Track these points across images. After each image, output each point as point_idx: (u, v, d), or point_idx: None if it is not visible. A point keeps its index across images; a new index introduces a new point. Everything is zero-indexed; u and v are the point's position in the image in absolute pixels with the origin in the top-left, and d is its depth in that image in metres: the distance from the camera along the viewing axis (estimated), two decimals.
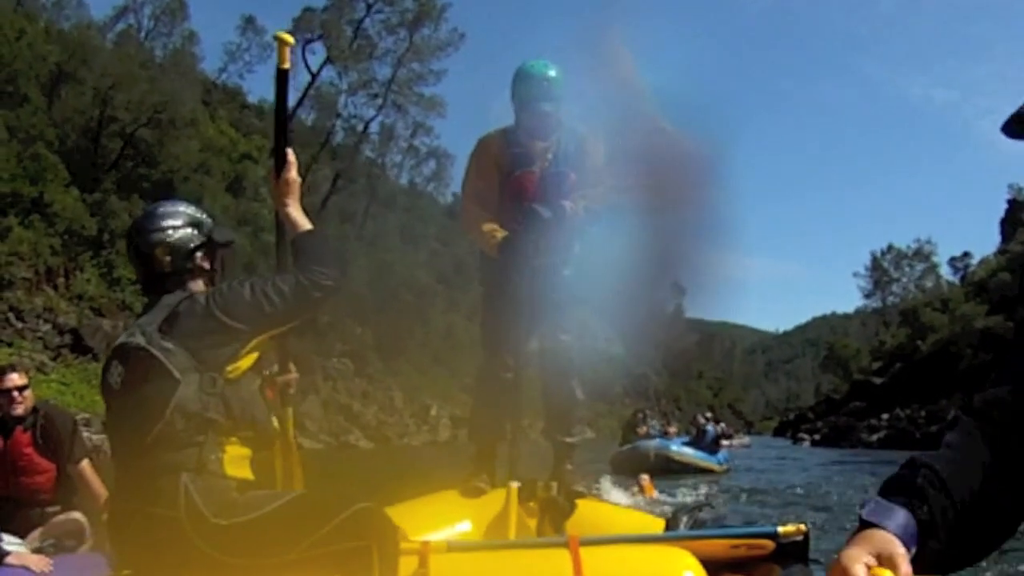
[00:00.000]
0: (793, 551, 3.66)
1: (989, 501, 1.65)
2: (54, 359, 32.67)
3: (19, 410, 5.53)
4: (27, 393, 5.59)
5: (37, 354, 32.13)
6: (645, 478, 16.14)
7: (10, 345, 31.93)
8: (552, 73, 4.87)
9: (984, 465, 1.68)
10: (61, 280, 37.51)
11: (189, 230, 3.20)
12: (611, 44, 4.66)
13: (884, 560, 1.51)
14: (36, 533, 5.29)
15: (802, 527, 3.74)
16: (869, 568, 1.49)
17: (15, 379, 5.56)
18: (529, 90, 4.87)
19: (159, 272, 3.16)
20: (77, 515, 5.48)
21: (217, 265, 3.29)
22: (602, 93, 5.12)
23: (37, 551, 5.02)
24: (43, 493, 5.56)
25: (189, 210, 3.28)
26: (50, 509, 5.51)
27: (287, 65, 3.68)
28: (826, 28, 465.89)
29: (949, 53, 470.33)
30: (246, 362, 3.02)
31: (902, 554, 1.51)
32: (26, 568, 4.54)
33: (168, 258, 3.15)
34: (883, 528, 1.55)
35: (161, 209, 3.26)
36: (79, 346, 33.88)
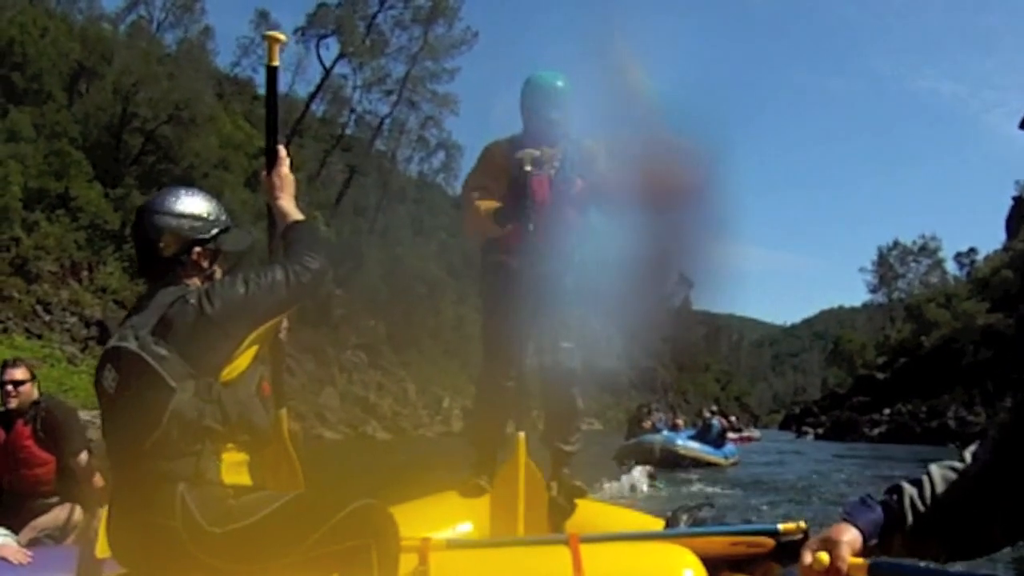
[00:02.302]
0: (793, 549, 3.63)
1: (965, 506, 1.87)
2: (82, 351, 32.94)
3: (12, 404, 5.64)
4: (23, 388, 5.66)
5: (67, 346, 32.61)
6: (649, 470, 16.49)
7: (40, 337, 32.40)
8: (560, 83, 4.97)
9: (976, 474, 1.91)
10: (85, 274, 37.89)
11: (196, 222, 3.12)
12: (616, 45, 4.66)
13: (831, 546, 1.83)
14: (32, 524, 5.37)
15: (802, 525, 3.73)
16: (815, 552, 1.83)
17: (14, 374, 5.67)
18: (538, 98, 4.96)
19: (156, 256, 3.09)
20: (73, 507, 5.60)
21: (215, 267, 3.20)
22: (606, 97, 5.11)
23: (33, 542, 5.18)
24: (44, 485, 5.63)
25: (203, 202, 3.19)
26: (50, 501, 5.59)
27: (276, 62, 3.76)
28: (834, 20, 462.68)
29: (958, 46, 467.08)
30: (244, 360, 2.95)
31: (847, 541, 1.82)
32: (3, 559, 4.59)
33: (164, 244, 3.07)
34: (849, 521, 1.87)
35: (174, 194, 3.19)
36: (105, 338, 33.11)
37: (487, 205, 4.86)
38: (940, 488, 1.91)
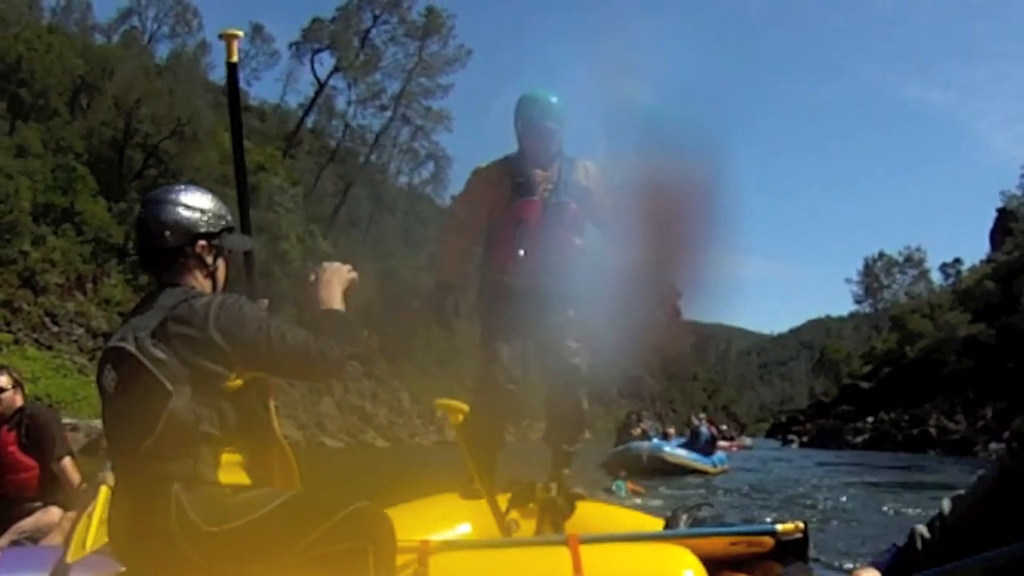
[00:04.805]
0: (792, 549, 3.64)
1: (972, 527, 1.99)
2: (91, 360, 33.12)
3: None
4: (7, 395, 5.73)
5: (76, 356, 33.37)
6: (623, 474, 16.48)
7: (50, 348, 33.14)
8: (554, 99, 4.94)
9: (986, 493, 2.04)
10: (90, 286, 38.55)
11: (201, 215, 3.06)
12: (611, 57, 4.53)
13: None
14: (14, 527, 5.45)
15: (800, 524, 3.69)
16: None
17: (0, 381, 5.73)
18: (533, 112, 4.92)
19: (159, 247, 3.02)
20: (54, 510, 5.62)
21: (218, 263, 3.14)
22: (602, 111, 4.97)
23: (14, 544, 5.26)
24: (28, 490, 5.68)
25: (207, 198, 3.13)
26: (34, 505, 5.65)
27: (235, 59, 3.79)
28: (823, 29, 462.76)
29: (947, 55, 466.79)
30: (238, 381, 2.88)
31: (864, 573, 2.09)
32: None
33: (168, 234, 3.00)
34: (872, 564, 2.15)
35: (179, 188, 3.13)
36: None
37: (451, 264, 5.18)
38: (950, 518, 2.08)
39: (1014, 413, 38.84)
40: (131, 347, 2.76)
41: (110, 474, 4.67)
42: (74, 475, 5.75)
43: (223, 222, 3.13)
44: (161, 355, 2.74)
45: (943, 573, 1.85)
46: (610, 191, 4.94)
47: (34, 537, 5.45)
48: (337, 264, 3.22)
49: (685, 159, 4.38)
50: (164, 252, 3.01)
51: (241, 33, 3.89)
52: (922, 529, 2.11)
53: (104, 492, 4.42)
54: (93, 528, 4.14)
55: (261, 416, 3.07)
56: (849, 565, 7.37)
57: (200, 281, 3.05)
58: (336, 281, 3.15)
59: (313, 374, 2.93)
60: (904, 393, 53.67)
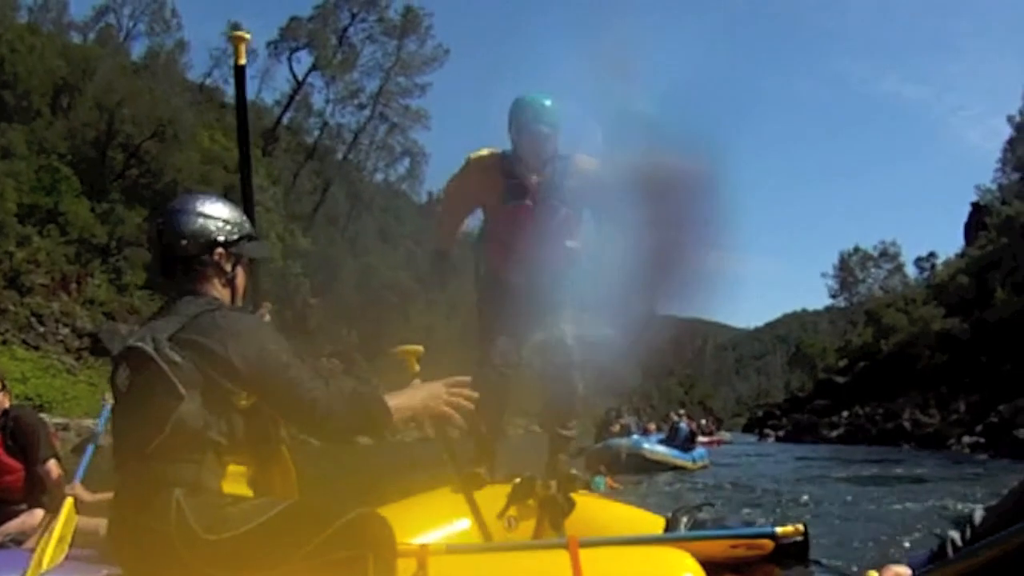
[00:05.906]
0: (792, 552, 3.64)
1: (996, 527, 1.97)
2: (77, 360, 34.16)
3: None
4: None
5: (64, 356, 33.82)
6: (603, 470, 16.41)
7: (37, 349, 33.52)
8: (548, 103, 4.93)
9: (1012, 505, 2.12)
10: (74, 286, 38.84)
11: (220, 224, 3.06)
12: (607, 56, 4.50)
13: (885, 571, 2.17)
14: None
15: (800, 527, 3.69)
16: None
17: None
18: (527, 115, 4.91)
19: (177, 255, 3.02)
20: (39, 512, 5.59)
21: (236, 271, 3.14)
22: (598, 110, 5.01)
23: None
24: (13, 492, 5.62)
25: (226, 208, 3.14)
26: (19, 507, 5.62)
27: (243, 61, 3.85)
28: (798, 23, 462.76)
29: (923, 49, 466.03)
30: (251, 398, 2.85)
31: (896, 570, 2.15)
32: None
33: (187, 242, 3.00)
34: (904, 563, 2.20)
35: (199, 196, 3.14)
36: (97, 348, 35.31)
37: (440, 233, 5.30)
38: (980, 527, 2.13)
39: (987, 407, 39.64)
40: (149, 348, 2.76)
41: (79, 485, 5.09)
42: (58, 477, 5.70)
43: (242, 231, 3.13)
44: (177, 359, 2.73)
45: (970, 552, 1.92)
46: (608, 181, 4.90)
47: (18, 539, 5.42)
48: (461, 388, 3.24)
49: (683, 156, 4.40)
50: (182, 260, 3.02)
51: (249, 36, 3.93)
52: (954, 535, 2.17)
53: (68, 505, 4.64)
54: (51, 546, 4.21)
55: (270, 433, 2.99)
56: (838, 562, 7.39)
57: (219, 289, 3.05)
58: (426, 393, 3.18)
59: (305, 428, 2.93)
60: (879, 387, 53.88)
